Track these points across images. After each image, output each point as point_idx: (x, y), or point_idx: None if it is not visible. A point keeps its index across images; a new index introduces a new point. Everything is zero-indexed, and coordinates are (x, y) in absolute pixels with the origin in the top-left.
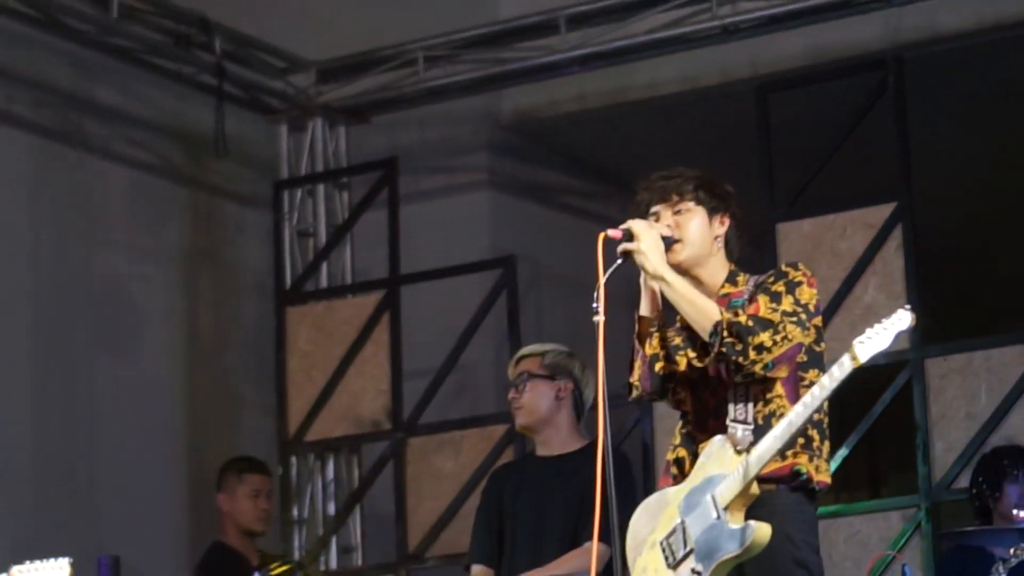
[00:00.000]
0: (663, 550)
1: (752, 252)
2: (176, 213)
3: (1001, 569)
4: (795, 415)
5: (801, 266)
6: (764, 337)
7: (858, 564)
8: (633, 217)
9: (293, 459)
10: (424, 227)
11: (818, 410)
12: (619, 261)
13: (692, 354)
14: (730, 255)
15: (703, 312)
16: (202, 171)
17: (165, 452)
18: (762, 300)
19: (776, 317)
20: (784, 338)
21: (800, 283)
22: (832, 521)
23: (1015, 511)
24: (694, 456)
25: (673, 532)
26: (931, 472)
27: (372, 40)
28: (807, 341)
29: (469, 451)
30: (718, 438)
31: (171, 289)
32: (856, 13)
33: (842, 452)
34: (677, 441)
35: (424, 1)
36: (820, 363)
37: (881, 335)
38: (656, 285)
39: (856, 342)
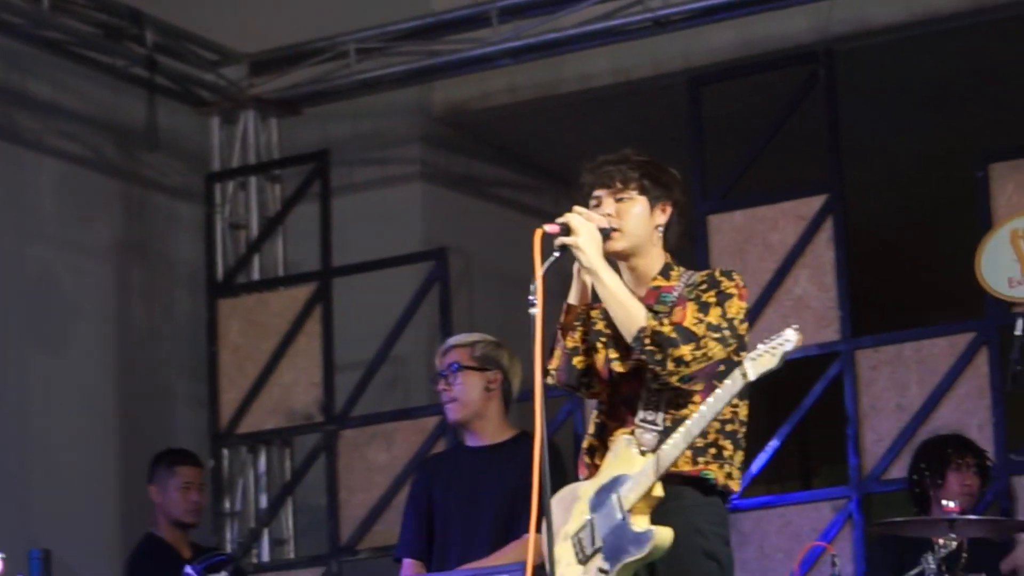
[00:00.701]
0: (574, 544)
1: (684, 243)
2: (108, 206)
3: (931, 559)
4: (692, 423)
5: (735, 276)
6: (684, 350)
7: (789, 555)
8: (576, 201)
9: (225, 451)
10: (356, 219)
11: (731, 421)
12: (556, 255)
13: (614, 355)
14: (667, 243)
15: (630, 315)
16: (134, 164)
17: (97, 445)
18: (690, 308)
19: (700, 330)
20: (704, 355)
21: (731, 296)
22: (764, 512)
23: (944, 501)
24: (604, 446)
25: (583, 528)
26: (862, 463)
27: (304, 32)
28: (726, 355)
29: (401, 443)
30: (624, 437)
31: (103, 282)
32: (787, 6)
33: (773, 443)
34: (591, 430)
35: None
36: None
37: (769, 355)
38: (589, 278)
39: (747, 358)
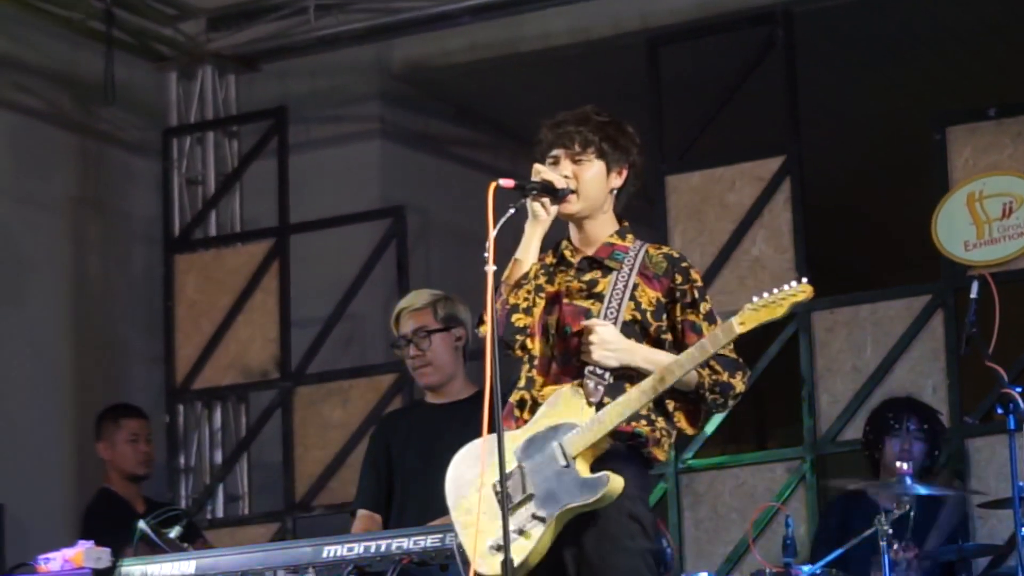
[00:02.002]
0: (496, 493)
1: (642, 205)
2: (64, 160)
3: (884, 520)
4: (668, 372)
5: (689, 258)
6: (739, 385)
7: (743, 515)
8: (532, 157)
9: (180, 407)
10: (314, 176)
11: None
12: (511, 211)
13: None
14: (617, 204)
15: (684, 377)
16: (91, 118)
17: (52, 400)
18: (706, 328)
19: (732, 352)
20: (746, 372)
21: (703, 288)
22: (718, 473)
23: (898, 463)
24: (534, 400)
25: (508, 476)
26: (816, 425)
27: None
28: None
29: (357, 401)
30: (568, 387)
31: (58, 237)
32: None
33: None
34: (521, 383)
35: None
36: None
37: (774, 305)
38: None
39: (747, 308)
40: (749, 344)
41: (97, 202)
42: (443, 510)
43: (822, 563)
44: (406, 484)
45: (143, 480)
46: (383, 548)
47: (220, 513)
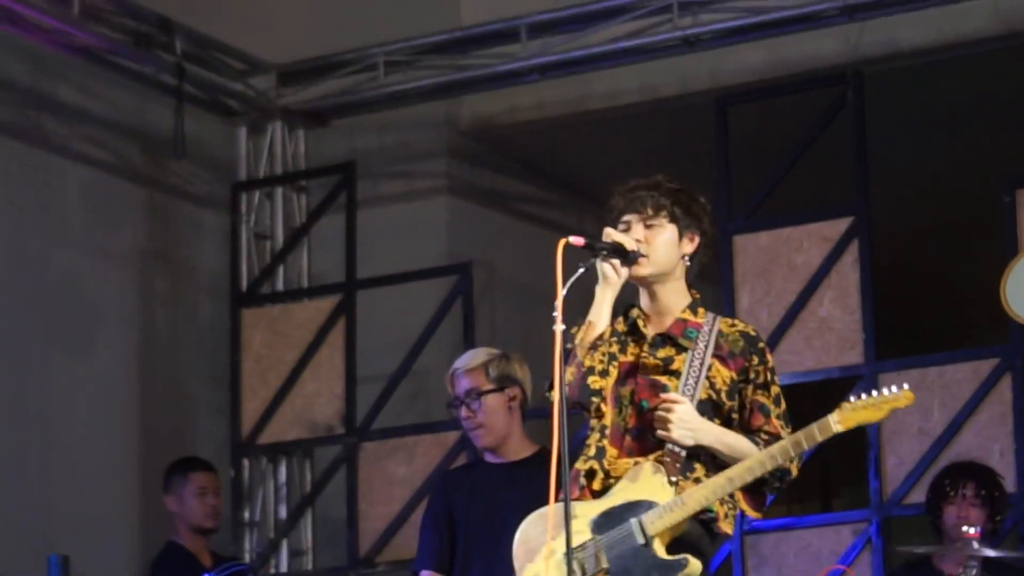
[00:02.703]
0: (567, 563)
1: (709, 264)
2: (133, 213)
3: None
4: (759, 464)
5: (762, 336)
6: (793, 468)
7: None
8: (601, 219)
9: (245, 461)
10: (381, 232)
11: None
12: (581, 270)
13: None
14: (689, 273)
15: (750, 461)
16: (160, 171)
17: (118, 452)
18: (775, 419)
19: (794, 434)
20: (800, 457)
21: (774, 368)
22: (783, 534)
23: (963, 528)
24: (604, 472)
25: (582, 547)
26: (883, 486)
27: (333, 44)
28: None
29: (422, 457)
30: (649, 464)
31: (126, 289)
32: (817, 27)
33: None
34: (591, 452)
35: (386, 5)
36: None
37: (873, 408)
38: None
39: (845, 407)
40: (815, 405)
41: (165, 255)
42: (506, 571)
43: None
44: (469, 545)
45: (211, 534)
46: None
47: (284, 568)
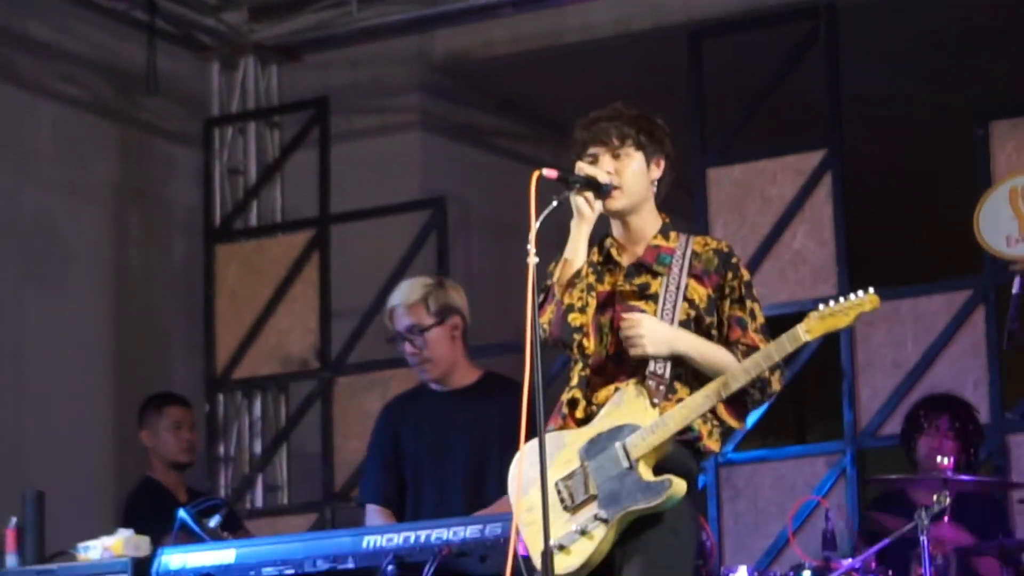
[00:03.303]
0: (558, 492)
1: (683, 197)
2: (106, 149)
3: (924, 515)
4: (732, 378)
5: (737, 252)
6: (774, 382)
7: (782, 509)
8: (570, 160)
9: (220, 397)
10: (355, 167)
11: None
12: (554, 203)
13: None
14: (658, 196)
15: (722, 369)
16: (133, 108)
17: (92, 389)
18: (752, 332)
19: (767, 345)
20: (783, 369)
21: (749, 281)
22: (758, 466)
23: (938, 458)
24: (587, 400)
25: (571, 475)
26: (857, 418)
27: None
28: None
29: (397, 390)
30: (631, 386)
31: (99, 226)
32: None
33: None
34: (574, 382)
35: None
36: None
37: (841, 314)
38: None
39: (813, 316)
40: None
41: (138, 192)
42: (458, 499)
43: (861, 557)
44: (419, 473)
45: (186, 468)
46: (423, 539)
47: (259, 503)
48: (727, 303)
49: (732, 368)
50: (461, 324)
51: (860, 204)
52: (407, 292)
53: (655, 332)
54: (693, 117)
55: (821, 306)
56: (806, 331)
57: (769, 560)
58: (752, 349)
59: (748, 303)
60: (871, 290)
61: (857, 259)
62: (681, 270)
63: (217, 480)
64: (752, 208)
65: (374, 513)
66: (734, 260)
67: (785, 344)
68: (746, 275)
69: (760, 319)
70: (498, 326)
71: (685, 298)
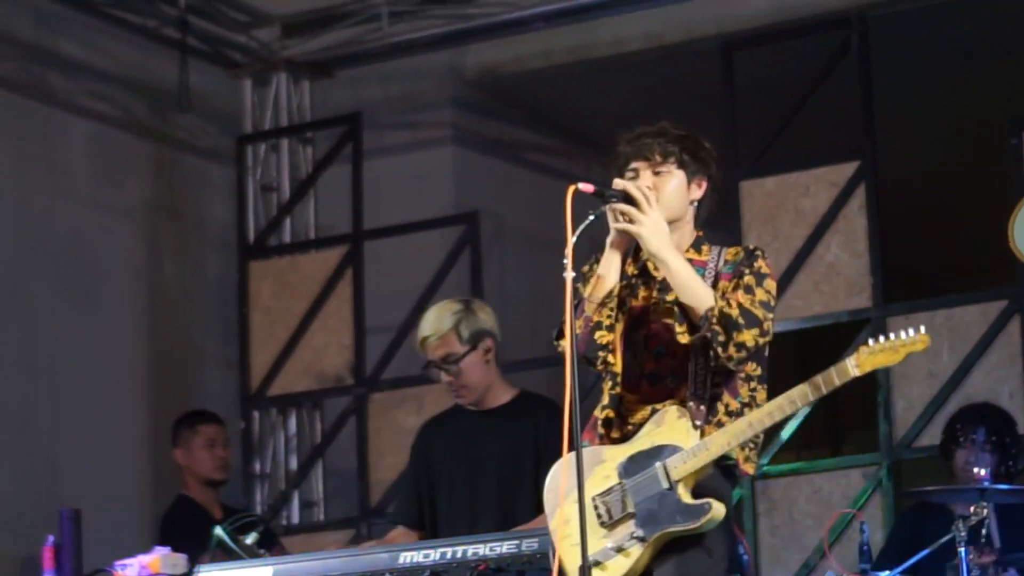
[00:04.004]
0: (595, 507)
1: (716, 210)
2: (139, 167)
3: (961, 526)
4: (777, 409)
5: (765, 254)
6: (747, 335)
7: (819, 522)
8: (611, 174)
9: (255, 413)
10: (388, 182)
11: (749, 405)
12: (590, 217)
13: (680, 328)
14: (698, 218)
15: (698, 297)
16: (165, 125)
17: (127, 407)
18: (740, 293)
19: (761, 314)
20: (764, 338)
21: (767, 275)
22: (793, 479)
23: (975, 470)
24: (622, 420)
25: (609, 492)
26: (892, 430)
27: None
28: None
29: (431, 406)
30: (674, 408)
31: (133, 243)
32: None
33: (804, 410)
34: (606, 401)
35: None
36: (762, 355)
37: (890, 352)
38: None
39: (864, 351)
40: (824, 349)
41: (172, 209)
42: (490, 517)
43: (899, 570)
44: (452, 493)
45: (220, 486)
46: (459, 554)
47: (295, 519)
48: (734, 286)
49: (777, 399)
50: (493, 346)
51: (894, 215)
52: (437, 322)
53: (660, 227)
54: (725, 129)
55: (871, 341)
56: (856, 366)
57: (806, 573)
58: (742, 307)
59: (747, 279)
60: (923, 329)
61: (891, 270)
62: (713, 284)
63: (253, 497)
64: (786, 220)
65: (398, 536)
66: (756, 253)
67: (833, 377)
68: (764, 268)
69: (760, 297)
70: (532, 342)
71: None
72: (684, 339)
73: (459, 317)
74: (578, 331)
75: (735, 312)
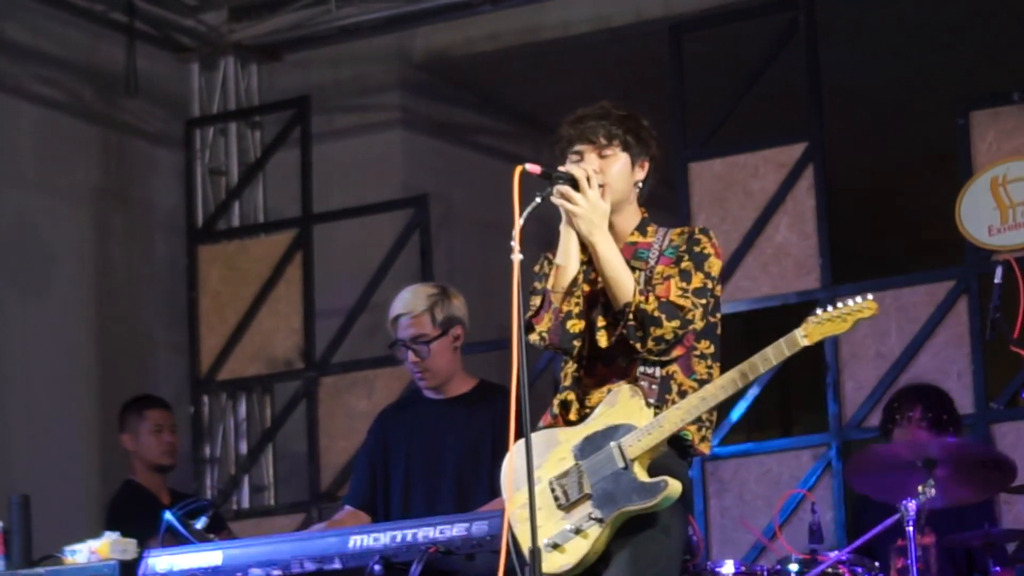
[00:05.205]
0: (552, 490)
1: (665, 191)
2: (86, 151)
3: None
4: (729, 382)
5: (711, 234)
6: (667, 328)
7: (769, 502)
8: (556, 158)
9: (205, 398)
10: (337, 166)
11: (707, 381)
12: (537, 200)
13: (602, 322)
14: (640, 197)
15: (620, 288)
16: (113, 109)
17: (76, 392)
18: (674, 282)
19: (687, 303)
20: (688, 328)
21: (708, 255)
22: (744, 460)
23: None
24: (580, 402)
25: (565, 474)
26: (841, 411)
27: None
28: (705, 320)
29: (382, 390)
30: (627, 387)
31: (81, 228)
32: None
33: (754, 391)
34: (567, 383)
35: None
36: (714, 333)
37: (839, 320)
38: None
39: (810, 321)
40: (773, 331)
41: (120, 193)
42: (447, 505)
43: (848, 549)
44: (410, 479)
45: (168, 471)
46: (409, 538)
47: (246, 504)
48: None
49: (728, 372)
50: (462, 334)
51: (842, 196)
52: (412, 301)
53: (597, 208)
54: (674, 111)
55: (819, 311)
56: (804, 336)
57: (756, 554)
58: (662, 301)
59: (685, 264)
60: (870, 296)
61: (840, 251)
62: (657, 263)
63: (203, 481)
64: (734, 202)
65: (344, 513)
66: (699, 235)
67: (783, 348)
68: (708, 248)
69: (695, 284)
70: (482, 324)
71: (652, 284)
72: (603, 342)
73: (434, 300)
74: (549, 324)
75: (651, 307)
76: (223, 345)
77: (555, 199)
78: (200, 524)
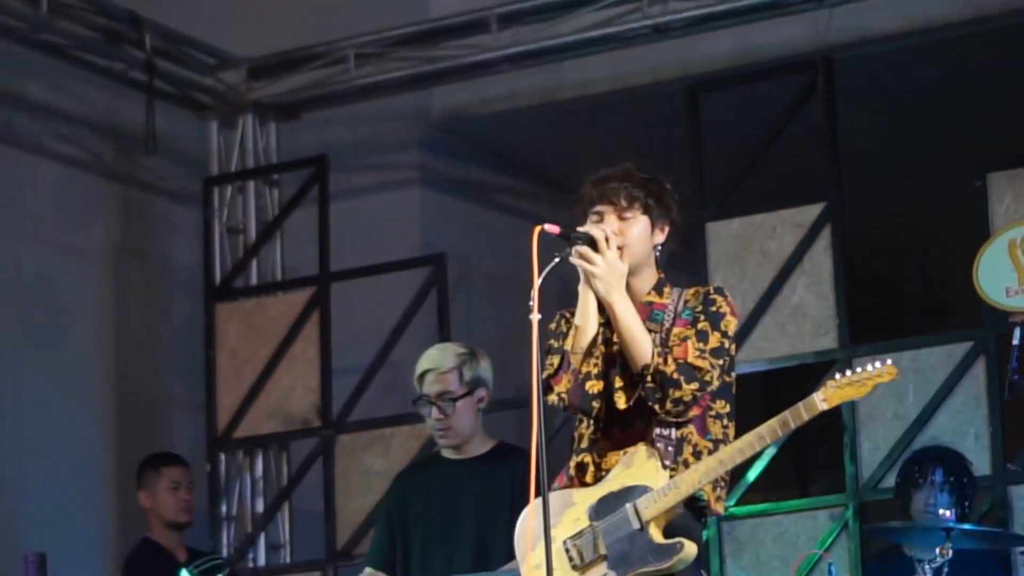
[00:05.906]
0: (567, 550)
1: (682, 252)
2: (106, 209)
3: (927, 569)
4: (747, 445)
5: (726, 293)
6: (686, 390)
7: (785, 563)
8: (577, 217)
9: (222, 456)
10: (354, 224)
11: (723, 441)
12: (556, 260)
13: (620, 383)
14: (659, 261)
15: (638, 349)
16: (132, 168)
17: (93, 449)
18: (691, 343)
19: (705, 364)
20: (706, 389)
21: (724, 314)
22: (760, 520)
23: (940, 511)
24: (596, 465)
25: (580, 534)
26: (858, 471)
27: (303, 37)
28: (721, 381)
29: (398, 448)
30: (643, 448)
31: (100, 286)
32: (786, 14)
33: (770, 452)
34: (584, 445)
35: None
36: (729, 392)
37: (857, 385)
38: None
39: (829, 385)
40: (790, 391)
41: (139, 251)
42: (465, 565)
43: None
44: (428, 541)
45: (185, 528)
46: None
47: (262, 562)
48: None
49: (746, 435)
50: (487, 397)
51: (860, 257)
52: (441, 358)
53: (615, 268)
54: (691, 171)
55: (838, 375)
56: (823, 400)
57: None
58: (680, 363)
59: (702, 324)
60: (889, 361)
61: (857, 312)
62: (673, 324)
63: (219, 539)
64: (751, 262)
65: (365, 575)
66: (714, 295)
67: (801, 412)
68: (724, 307)
69: (713, 344)
70: (498, 383)
71: (669, 345)
72: (621, 403)
73: (463, 359)
74: (568, 385)
75: (670, 369)
76: (240, 403)
77: (573, 259)
78: None
